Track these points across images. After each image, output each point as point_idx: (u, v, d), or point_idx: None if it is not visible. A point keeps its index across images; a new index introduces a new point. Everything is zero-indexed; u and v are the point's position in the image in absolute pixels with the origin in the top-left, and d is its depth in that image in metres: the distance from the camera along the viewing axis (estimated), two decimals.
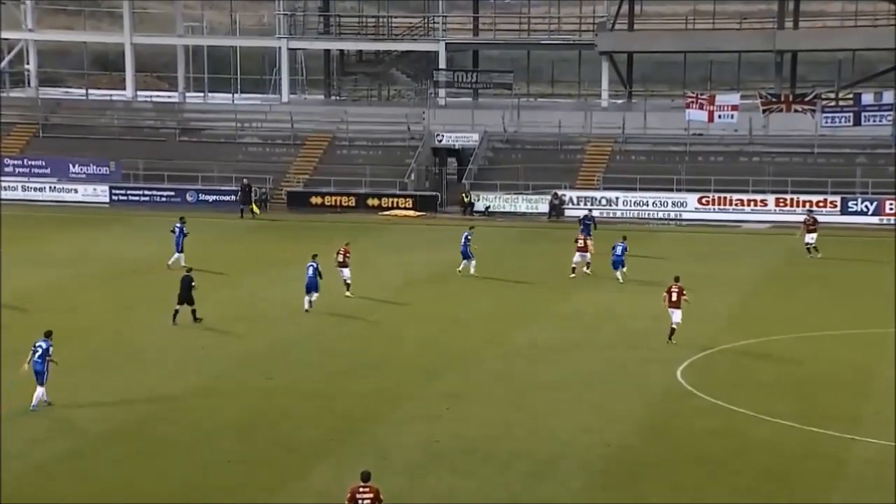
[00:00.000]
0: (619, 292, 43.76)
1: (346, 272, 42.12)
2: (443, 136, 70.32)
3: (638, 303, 41.87)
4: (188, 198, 67.68)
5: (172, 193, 68.03)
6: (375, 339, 36.99)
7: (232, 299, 42.52)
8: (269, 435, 27.39)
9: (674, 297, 35.17)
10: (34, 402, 28.42)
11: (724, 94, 68.23)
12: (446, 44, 75.51)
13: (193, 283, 37.82)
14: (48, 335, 28.95)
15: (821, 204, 61.82)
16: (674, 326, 35.11)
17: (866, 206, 61.11)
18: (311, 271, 39.60)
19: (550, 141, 69.20)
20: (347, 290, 41.72)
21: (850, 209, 61.27)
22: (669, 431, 27.78)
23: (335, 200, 66.83)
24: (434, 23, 77.34)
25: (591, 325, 38.69)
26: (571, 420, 28.50)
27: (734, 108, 66.13)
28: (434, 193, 67.73)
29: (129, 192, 68.71)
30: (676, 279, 35.81)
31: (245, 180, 64.99)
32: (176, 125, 74.80)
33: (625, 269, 45.00)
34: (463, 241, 46.23)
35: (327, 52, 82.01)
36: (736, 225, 60.60)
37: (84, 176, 69.87)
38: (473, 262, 45.90)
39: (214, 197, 67.42)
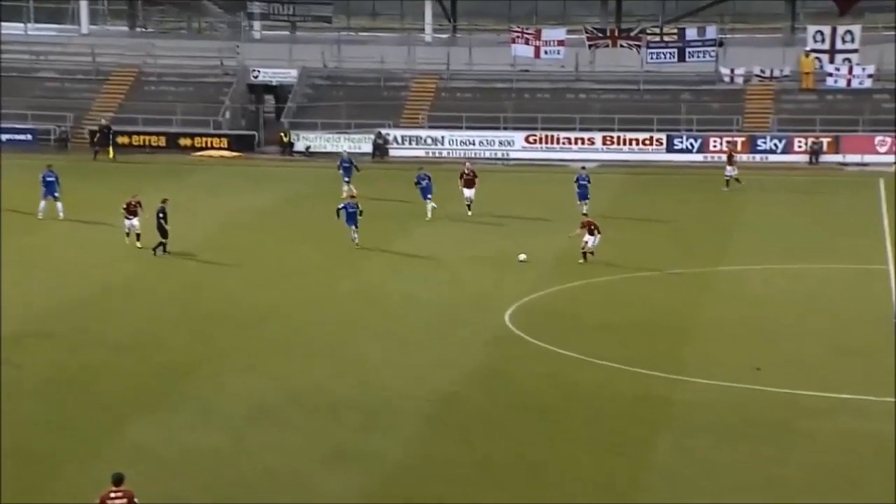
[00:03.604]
0: (445, 236, 44.27)
1: (136, 222, 40.86)
2: (259, 71, 69.34)
3: (464, 247, 42.49)
4: None
5: None
6: (193, 288, 36.58)
7: (35, 246, 41.30)
8: (79, 391, 26.89)
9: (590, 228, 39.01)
10: None
11: (550, 28, 69.18)
12: None
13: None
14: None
15: (647, 142, 63.65)
16: (591, 251, 38.79)
17: (691, 144, 63.17)
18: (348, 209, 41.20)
19: (373, 77, 69.07)
20: (138, 240, 40.72)
21: (675, 147, 63.26)
22: (500, 377, 28.45)
23: (143, 140, 65.33)
24: None
25: (418, 270, 39.12)
26: (399, 369, 28.90)
27: (560, 43, 67.22)
28: (251, 133, 66.93)
29: None
30: (585, 214, 41.02)
31: (103, 120, 63.04)
32: None
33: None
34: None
35: None
36: (563, 164, 61.90)
37: None
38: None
39: (8, 136, 64.91)
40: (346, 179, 50.81)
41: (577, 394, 27.18)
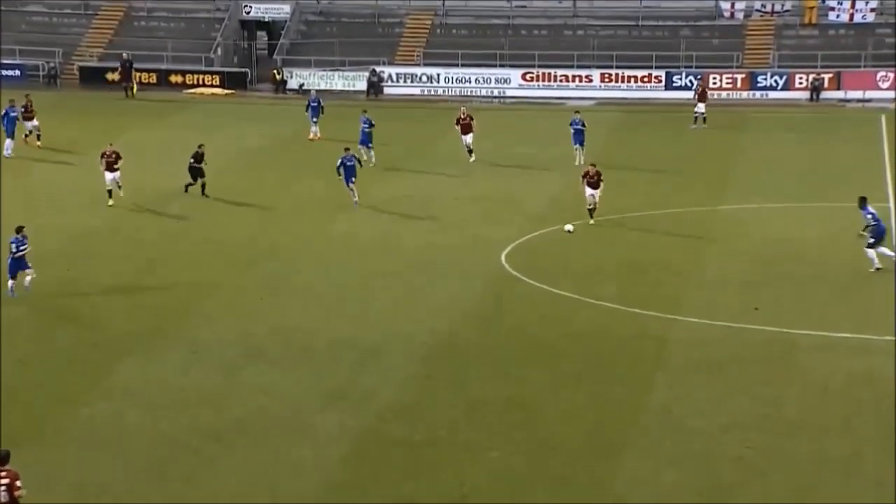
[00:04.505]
0: (441, 176, 43.97)
1: (115, 176, 38.36)
2: (251, 7, 68.74)
3: (460, 187, 42.35)
4: None
5: None
6: (185, 230, 36.51)
7: (22, 188, 41.15)
8: (70, 331, 26.89)
9: (592, 180, 36.06)
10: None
11: None
12: None
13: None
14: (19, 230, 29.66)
15: (645, 79, 63.25)
16: (592, 206, 36.05)
17: (690, 81, 62.73)
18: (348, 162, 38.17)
19: (367, 14, 68.47)
20: (110, 196, 38.29)
21: (674, 84, 62.84)
22: (495, 318, 28.49)
23: (134, 77, 64.79)
24: None
25: (411, 211, 38.96)
26: (394, 309, 28.91)
27: None
28: (243, 70, 66.51)
29: None
30: (593, 164, 36.68)
31: (125, 55, 62.60)
32: None
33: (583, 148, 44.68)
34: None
35: None
36: (560, 102, 61.58)
37: None
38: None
39: None
40: (315, 120, 49.71)
41: (574, 334, 27.24)
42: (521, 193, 40.87)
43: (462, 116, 45.92)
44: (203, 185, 39.72)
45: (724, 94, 61.58)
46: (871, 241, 31.28)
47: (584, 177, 36.51)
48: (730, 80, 61.82)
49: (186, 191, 39.84)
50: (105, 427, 22.16)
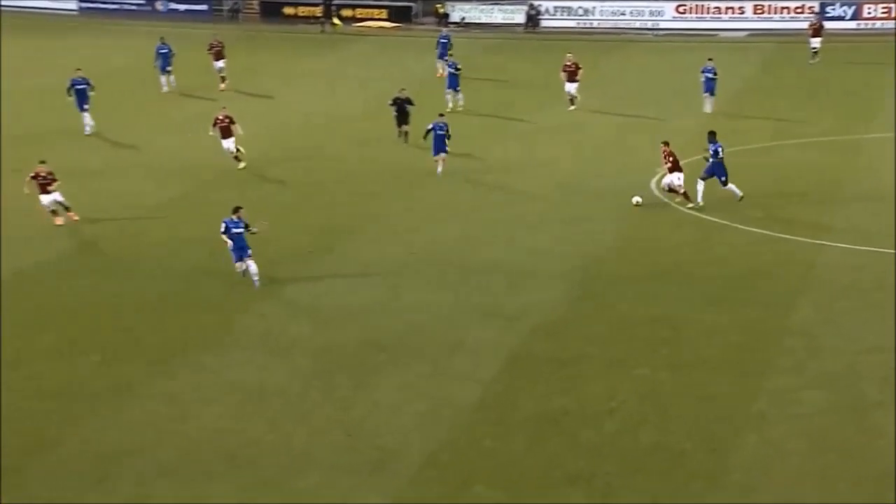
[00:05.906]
0: (588, 107, 42.92)
1: (230, 143, 34.84)
2: None
3: (608, 118, 41.80)
4: (158, 6, 66.72)
5: (143, 2, 67.07)
6: (347, 156, 37.05)
7: (203, 115, 42.27)
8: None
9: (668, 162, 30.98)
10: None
11: None
12: None
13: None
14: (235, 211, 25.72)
15: (798, 10, 61.27)
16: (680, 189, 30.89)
17: (845, 11, 60.60)
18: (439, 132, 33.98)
19: None
20: (239, 161, 34.82)
21: (828, 14, 60.76)
22: (644, 242, 28.34)
23: (309, 11, 65.86)
24: None
25: (564, 140, 38.78)
26: (546, 233, 29.02)
27: None
28: (409, 4, 66.73)
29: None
30: (665, 143, 31.24)
31: None
32: None
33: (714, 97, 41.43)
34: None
35: None
36: (713, 33, 60.18)
37: None
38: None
39: (186, 6, 66.39)
40: (445, 58, 46.89)
41: (721, 258, 26.96)
42: (672, 122, 40.27)
43: (568, 64, 42.62)
44: (406, 133, 37.32)
45: (877, 24, 59.33)
46: (705, 175, 30.51)
47: (665, 156, 30.91)
48: (885, 10, 59.38)
49: (406, 140, 37.32)
50: (279, 336, 22.98)
